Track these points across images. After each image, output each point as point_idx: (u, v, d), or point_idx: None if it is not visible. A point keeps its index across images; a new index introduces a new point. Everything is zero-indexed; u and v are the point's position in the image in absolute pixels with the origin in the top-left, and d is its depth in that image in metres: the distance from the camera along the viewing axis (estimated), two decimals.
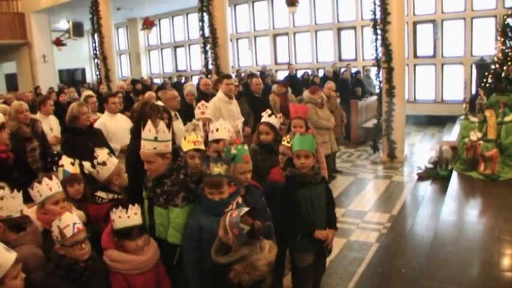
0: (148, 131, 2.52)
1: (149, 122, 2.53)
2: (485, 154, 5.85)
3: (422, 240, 4.58)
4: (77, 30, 13.85)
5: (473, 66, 9.89)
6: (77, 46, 16.53)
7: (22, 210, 2.35)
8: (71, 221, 2.19)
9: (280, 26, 14.56)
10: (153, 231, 2.66)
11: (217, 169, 2.47)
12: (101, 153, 2.97)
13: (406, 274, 3.87)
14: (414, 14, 11.86)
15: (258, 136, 3.81)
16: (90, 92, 7.48)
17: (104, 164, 2.90)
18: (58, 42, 14.18)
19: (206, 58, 9.82)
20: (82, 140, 4.14)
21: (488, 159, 5.82)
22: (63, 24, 14.58)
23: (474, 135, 6.15)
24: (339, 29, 13.39)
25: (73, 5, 12.82)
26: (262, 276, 2.19)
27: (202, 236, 2.44)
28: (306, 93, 6.80)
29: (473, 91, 9.47)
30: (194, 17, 13.49)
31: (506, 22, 7.99)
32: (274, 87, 7.91)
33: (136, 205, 2.47)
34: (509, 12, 8.12)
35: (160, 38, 17.62)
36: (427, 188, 6.39)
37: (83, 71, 19.56)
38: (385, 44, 7.73)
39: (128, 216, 2.40)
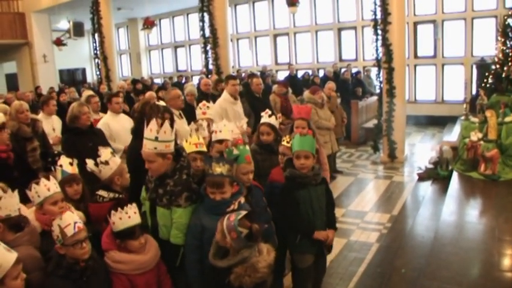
0: (150, 130, 2.51)
1: (153, 121, 2.51)
2: (486, 154, 5.85)
3: (422, 241, 4.58)
4: (78, 30, 13.86)
5: (474, 66, 9.89)
6: (78, 46, 16.54)
7: (19, 209, 2.35)
8: (72, 220, 2.19)
9: (280, 26, 14.56)
10: (155, 233, 2.65)
11: (219, 169, 2.47)
12: (104, 153, 2.98)
13: (406, 274, 3.87)
14: (415, 14, 11.86)
15: (258, 136, 3.81)
16: (91, 92, 7.48)
17: (106, 163, 2.91)
18: (58, 42, 14.19)
19: (206, 58, 9.83)
20: (82, 140, 4.14)
21: (489, 159, 5.82)
22: (64, 24, 14.58)
23: (475, 136, 6.15)
24: (340, 29, 13.39)
25: (73, 5, 12.84)
26: (263, 278, 2.19)
27: (204, 236, 2.44)
28: (306, 94, 6.81)
29: (474, 91, 9.47)
30: (195, 17, 13.51)
31: (506, 22, 7.98)
32: (275, 87, 7.91)
33: (134, 204, 2.47)
34: (510, 13, 8.10)
35: (161, 38, 17.63)
36: (427, 188, 6.39)
37: (84, 71, 19.57)
38: (386, 44, 7.73)
39: (129, 216, 2.40)
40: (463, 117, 7.68)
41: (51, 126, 5.41)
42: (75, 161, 2.99)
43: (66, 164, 2.89)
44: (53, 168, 3.01)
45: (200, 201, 2.59)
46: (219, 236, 2.24)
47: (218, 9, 9.39)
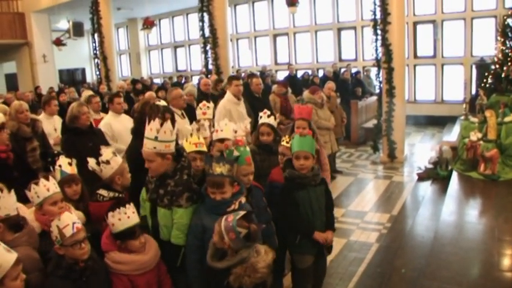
0: (150, 129, 2.51)
1: (156, 121, 2.50)
2: (486, 154, 5.86)
3: (422, 241, 4.58)
4: (77, 30, 13.86)
5: (473, 66, 9.90)
6: (77, 46, 16.54)
7: (17, 208, 2.34)
8: (70, 220, 2.19)
9: (280, 26, 14.56)
10: (156, 233, 2.64)
11: (219, 169, 2.47)
12: (106, 152, 2.98)
13: (406, 274, 3.87)
14: (414, 14, 11.87)
15: (258, 137, 3.80)
16: (91, 92, 7.48)
17: (107, 162, 2.91)
18: (58, 42, 14.18)
19: (206, 58, 9.83)
20: (82, 140, 4.14)
21: (488, 159, 5.82)
22: (63, 24, 14.58)
23: (474, 136, 6.16)
24: (339, 29, 13.39)
25: (73, 5, 12.83)
26: (263, 278, 2.18)
27: (205, 236, 2.44)
28: (306, 94, 6.80)
29: (473, 91, 9.48)
30: (194, 17, 13.50)
31: (506, 22, 7.98)
32: (274, 87, 7.91)
33: (131, 204, 2.46)
34: (509, 13, 8.11)
35: (161, 38, 17.63)
36: (427, 188, 6.40)
37: (83, 71, 19.57)
38: (385, 44, 7.74)
39: (128, 217, 2.39)
40: (462, 117, 7.69)
41: (53, 126, 5.39)
42: (74, 161, 2.98)
43: (65, 164, 2.89)
44: (52, 169, 3.01)
45: (201, 201, 2.58)
46: (216, 237, 2.22)
47: (218, 9, 9.40)
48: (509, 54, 7.69)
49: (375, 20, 7.84)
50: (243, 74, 12.22)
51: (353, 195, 6.46)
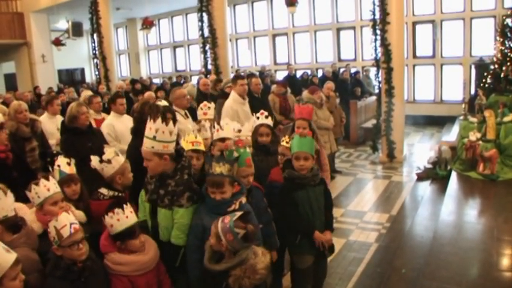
0: (149, 129, 2.51)
1: (156, 121, 2.50)
2: (485, 154, 5.86)
3: (421, 240, 4.58)
4: (76, 30, 13.84)
5: (473, 66, 9.92)
6: (76, 46, 16.51)
7: (16, 208, 2.33)
8: (68, 221, 2.18)
9: (279, 26, 14.56)
10: (155, 234, 2.63)
11: (219, 169, 2.47)
12: (108, 151, 3.00)
13: (405, 274, 3.87)
14: (413, 14, 11.87)
15: (256, 138, 3.80)
16: (90, 92, 7.47)
17: (108, 161, 2.92)
18: (57, 42, 14.16)
19: (205, 58, 9.83)
20: (81, 140, 4.14)
21: (488, 159, 5.83)
22: (63, 24, 14.56)
23: (473, 136, 6.17)
24: (338, 29, 13.39)
25: (72, 5, 12.82)
26: (262, 279, 2.17)
27: (205, 236, 2.43)
28: (305, 94, 6.81)
29: (473, 91, 9.50)
30: (193, 17, 13.48)
31: (505, 22, 8.00)
32: (274, 87, 7.91)
33: (128, 204, 2.46)
34: (508, 13, 8.12)
35: (160, 38, 17.61)
36: (426, 188, 6.40)
37: (82, 71, 19.54)
38: (385, 44, 7.74)
39: (126, 217, 2.39)
40: (461, 117, 7.70)
41: (56, 126, 5.34)
42: (73, 161, 2.98)
43: (64, 164, 2.89)
44: (50, 169, 3.01)
45: (201, 201, 2.58)
46: (213, 239, 2.21)
47: (217, 9, 9.39)
48: (508, 54, 7.70)
49: (374, 20, 7.85)
50: (242, 74, 12.22)
51: (352, 195, 6.46)
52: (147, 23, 12.24)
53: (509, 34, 7.82)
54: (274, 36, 14.79)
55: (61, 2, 13.00)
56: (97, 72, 12.35)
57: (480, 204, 5.31)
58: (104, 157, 2.94)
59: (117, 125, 4.81)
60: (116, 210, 2.37)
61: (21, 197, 2.58)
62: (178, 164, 2.58)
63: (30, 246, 2.28)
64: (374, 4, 7.80)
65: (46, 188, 2.51)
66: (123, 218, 2.38)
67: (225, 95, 6.08)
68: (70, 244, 2.15)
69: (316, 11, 13.74)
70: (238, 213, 2.23)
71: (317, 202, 3.06)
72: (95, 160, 2.97)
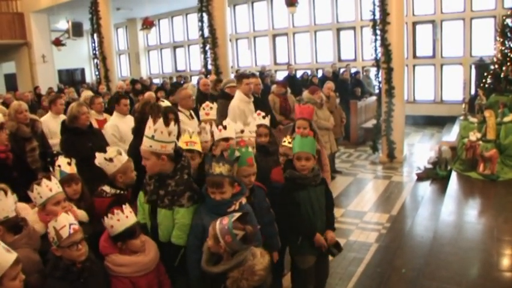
0: (149, 128, 2.51)
1: (156, 120, 2.50)
2: (485, 154, 5.86)
3: (421, 241, 4.59)
4: (77, 30, 13.84)
5: (473, 66, 9.91)
6: (77, 46, 16.52)
7: (17, 208, 2.33)
8: (67, 221, 2.17)
9: (279, 26, 14.56)
10: (155, 235, 2.63)
11: (219, 169, 2.46)
12: (110, 150, 3.01)
13: (405, 274, 3.87)
14: (413, 15, 11.88)
15: (255, 138, 3.79)
16: (90, 92, 7.47)
17: (110, 160, 2.93)
18: (57, 42, 14.17)
19: (205, 58, 9.83)
20: (82, 140, 4.14)
21: (488, 159, 5.83)
22: (63, 24, 14.57)
23: (473, 136, 6.17)
24: (338, 29, 13.40)
25: (72, 5, 12.82)
26: (261, 281, 2.15)
27: (205, 236, 2.43)
28: (305, 94, 6.81)
29: (473, 91, 9.49)
30: (194, 17, 13.49)
31: (505, 22, 8.00)
32: (274, 87, 7.90)
33: (127, 204, 2.45)
34: (509, 13, 8.12)
35: (160, 38, 17.62)
36: (426, 188, 6.40)
37: (83, 71, 19.55)
38: (385, 45, 7.74)
39: (126, 216, 2.39)
40: (461, 117, 7.70)
41: (59, 125, 5.37)
42: (74, 161, 2.98)
43: (65, 164, 2.89)
44: (51, 169, 3.01)
45: (201, 201, 2.58)
46: (211, 241, 2.18)
47: (217, 9, 9.39)
48: (508, 54, 7.70)
49: (374, 20, 7.85)
50: (247, 73, 12.21)
51: (352, 195, 6.46)
52: (147, 23, 12.25)
53: (509, 34, 7.82)
54: (274, 36, 14.79)
55: (61, 2, 13.00)
56: (97, 73, 12.36)
57: (480, 205, 5.31)
58: (106, 155, 2.95)
59: (121, 126, 4.82)
60: (116, 210, 2.37)
61: (21, 197, 2.57)
62: (177, 164, 2.58)
63: (31, 246, 2.27)
64: (374, 4, 7.80)
65: (48, 188, 2.50)
66: (123, 218, 2.37)
67: (225, 95, 6.09)
68: (69, 245, 2.14)
69: (316, 11, 13.75)
70: (237, 214, 2.20)
71: (318, 202, 3.06)
72: (99, 157, 2.98)
